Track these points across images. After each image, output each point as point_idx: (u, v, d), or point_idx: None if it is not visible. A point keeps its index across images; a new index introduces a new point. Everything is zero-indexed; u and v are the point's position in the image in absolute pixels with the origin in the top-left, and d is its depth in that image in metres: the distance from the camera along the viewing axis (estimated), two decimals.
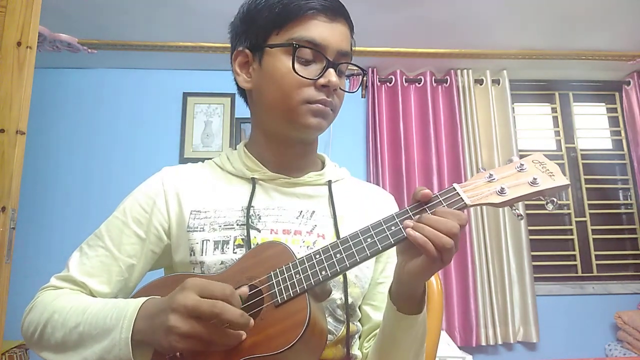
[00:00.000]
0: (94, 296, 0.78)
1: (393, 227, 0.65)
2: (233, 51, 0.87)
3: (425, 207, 0.65)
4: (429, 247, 0.60)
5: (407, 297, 0.70)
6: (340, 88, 0.81)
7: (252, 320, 0.61)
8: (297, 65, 0.77)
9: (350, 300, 0.79)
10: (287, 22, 0.78)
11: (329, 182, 0.88)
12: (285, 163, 0.87)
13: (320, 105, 0.79)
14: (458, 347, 2.24)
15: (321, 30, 0.78)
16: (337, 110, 0.84)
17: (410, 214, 0.65)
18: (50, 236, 2.46)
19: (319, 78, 0.78)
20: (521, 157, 0.70)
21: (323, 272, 0.64)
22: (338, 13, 0.80)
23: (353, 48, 0.87)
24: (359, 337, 0.88)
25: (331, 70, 0.78)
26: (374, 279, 0.87)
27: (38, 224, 2.48)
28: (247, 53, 0.84)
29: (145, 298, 0.67)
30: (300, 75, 0.77)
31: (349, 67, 0.85)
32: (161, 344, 0.60)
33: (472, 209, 2.58)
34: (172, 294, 0.61)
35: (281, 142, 0.85)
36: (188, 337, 0.58)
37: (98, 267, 0.80)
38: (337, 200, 0.85)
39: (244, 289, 0.64)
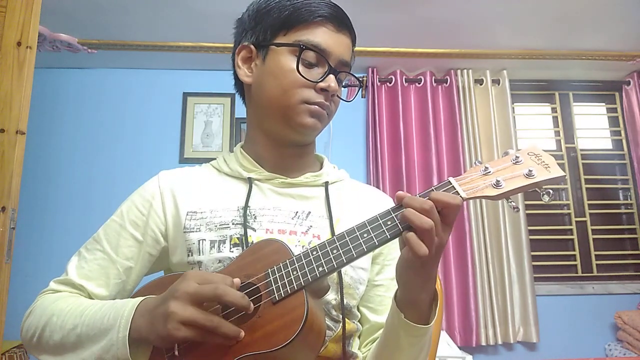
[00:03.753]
0: (92, 299, 0.79)
1: (389, 222, 0.64)
2: (236, 46, 0.88)
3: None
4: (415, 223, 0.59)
5: (412, 303, 0.68)
6: (337, 95, 0.84)
7: (252, 304, 0.62)
8: (300, 67, 0.80)
9: (345, 301, 0.79)
10: (296, 24, 0.81)
11: (326, 184, 0.88)
12: (281, 163, 0.87)
13: (318, 107, 0.81)
14: (458, 347, 2.24)
15: (327, 37, 0.81)
16: (332, 115, 0.87)
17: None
18: (50, 236, 2.46)
19: (320, 81, 0.80)
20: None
21: (320, 268, 0.64)
22: (344, 25, 0.84)
23: (353, 60, 0.90)
24: (359, 337, 0.88)
25: (332, 76, 0.81)
26: (370, 280, 0.87)
27: (38, 224, 2.48)
28: (252, 49, 0.85)
29: (142, 297, 0.67)
30: (302, 76, 0.79)
31: (346, 77, 0.88)
32: (160, 333, 0.60)
33: (472, 208, 2.58)
34: (174, 285, 0.62)
35: (277, 141, 0.86)
36: (187, 325, 0.59)
37: (96, 271, 0.80)
38: (334, 202, 0.85)
39: (236, 280, 0.64)
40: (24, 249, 2.21)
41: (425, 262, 0.62)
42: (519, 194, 2.29)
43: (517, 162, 0.67)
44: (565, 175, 0.67)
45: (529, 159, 0.67)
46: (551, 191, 0.65)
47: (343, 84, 0.89)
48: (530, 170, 0.65)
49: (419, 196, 0.64)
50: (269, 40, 0.83)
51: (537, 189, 0.66)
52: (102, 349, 0.65)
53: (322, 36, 0.81)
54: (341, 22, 0.83)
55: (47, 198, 2.53)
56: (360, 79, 0.92)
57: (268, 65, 0.82)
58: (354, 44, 0.88)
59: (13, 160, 1.32)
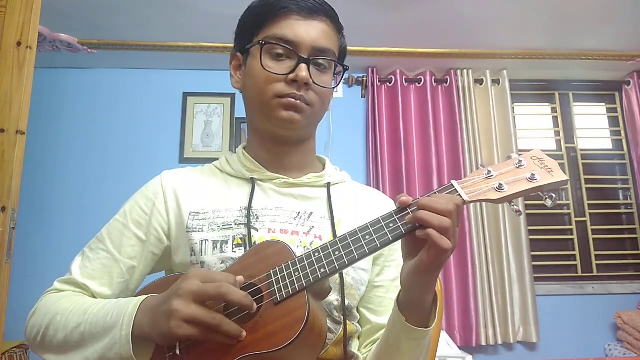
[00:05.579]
0: (96, 298, 0.79)
1: (392, 225, 0.64)
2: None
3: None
4: (430, 222, 0.59)
5: (415, 306, 0.69)
6: (317, 84, 0.81)
7: (255, 304, 0.62)
8: (268, 62, 0.80)
9: (347, 302, 0.79)
10: (264, 23, 0.83)
11: (328, 185, 0.88)
12: (280, 162, 0.87)
13: (291, 99, 0.79)
14: (458, 347, 2.24)
15: (295, 27, 0.80)
16: (316, 105, 0.82)
17: (409, 210, 0.65)
18: (50, 236, 2.46)
19: (289, 73, 0.79)
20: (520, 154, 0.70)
21: (322, 270, 0.65)
22: (315, 11, 0.82)
23: (344, 46, 0.89)
24: (359, 338, 0.88)
25: (302, 65, 0.79)
26: (370, 282, 0.87)
27: (38, 224, 2.48)
28: (239, 56, 0.88)
29: (145, 296, 0.68)
30: (267, 71, 0.80)
31: (331, 63, 0.85)
32: (162, 331, 0.60)
33: (472, 208, 2.58)
34: (177, 283, 0.63)
35: (271, 140, 0.87)
36: (190, 322, 0.59)
37: (99, 270, 0.81)
38: (336, 203, 0.85)
39: (239, 278, 0.65)
40: (24, 249, 2.21)
41: (441, 263, 0.62)
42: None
43: (520, 165, 0.67)
44: (568, 180, 0.68)
45: (532, 163, 0.67)
46: (554, 195, 0.65)
47: (334, 72, 0.87)
48: (533, 174, 0.65)
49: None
50: (247, 45, 0.85)
51: (540, 192, 0.66)
52: (105, 347, 0.65)
53: (288, 27, 0.80)
54: (310, 9, 0.82)
55: (47, 198, 2.53)
56: (346, 66, 0.90)
57: (247, 69, 0.85)
58: (335, 28, 0.85)
59: (13, 160, 1.31)
